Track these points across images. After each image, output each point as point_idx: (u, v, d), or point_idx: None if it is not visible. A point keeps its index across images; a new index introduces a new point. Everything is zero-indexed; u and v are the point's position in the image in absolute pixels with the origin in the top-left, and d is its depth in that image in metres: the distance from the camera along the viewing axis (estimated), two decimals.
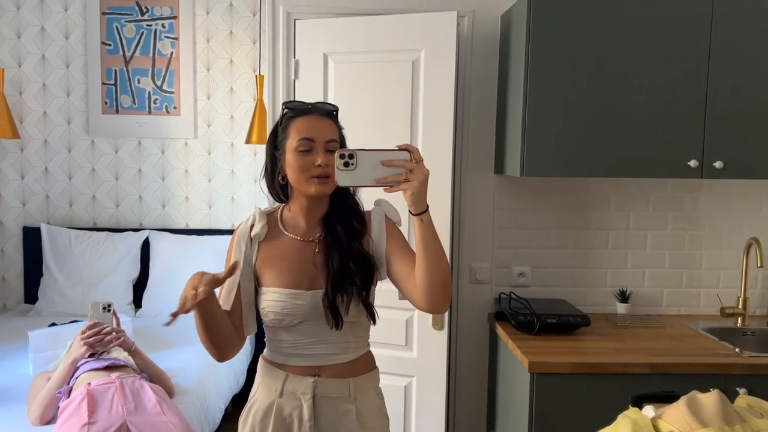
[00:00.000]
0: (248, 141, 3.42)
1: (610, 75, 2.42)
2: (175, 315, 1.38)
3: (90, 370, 2.24)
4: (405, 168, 1.38)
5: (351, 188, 1.61)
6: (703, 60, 2.42)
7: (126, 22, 3.57)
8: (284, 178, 1.58)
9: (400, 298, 1.62)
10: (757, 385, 2.17)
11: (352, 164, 1.38)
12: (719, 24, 2.41)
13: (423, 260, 1.45)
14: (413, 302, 1.54)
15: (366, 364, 1.65)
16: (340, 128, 1.61)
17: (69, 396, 2.17)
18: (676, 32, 2.41)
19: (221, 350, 1.54)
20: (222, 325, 1.52)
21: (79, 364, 2.29)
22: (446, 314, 2.66)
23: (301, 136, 1.53)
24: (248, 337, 3.45)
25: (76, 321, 2.86)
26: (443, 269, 1.46)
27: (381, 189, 1.41)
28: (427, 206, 1.42)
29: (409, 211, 1.42)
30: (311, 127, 1.54)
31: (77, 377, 2.22)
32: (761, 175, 2.46)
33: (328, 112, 1.59)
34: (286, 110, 1.60)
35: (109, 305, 2.40)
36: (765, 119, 2.44)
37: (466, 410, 2.92)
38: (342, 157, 1.38)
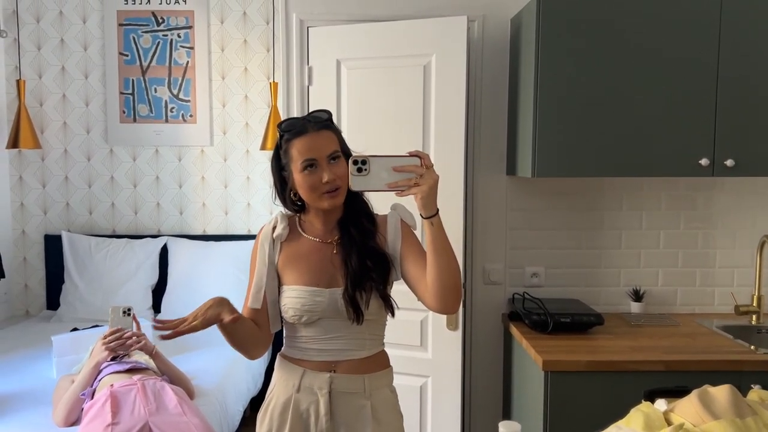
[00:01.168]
0: (263, 147, 3.47)
1: (619, 75, 2.44)
2: (165, 337, 1.51)
3: (112, 373, 2.29)
4: (415, 173, 1.44)
5: (361, 192, 1.66)
6: (713, 59, 2.43)
7: (143, 32, 3.65)
8: (296, 194, 1.64)
9: (418, 299, 1.67)
10: None
11: (365, 170, 1.45)
12: (728, 23, 2.42)
13: (434, 262, 1.50)
14: (425, 303, 1.59)
15: (380, 362, 1.70)
16: (338, 133, 1.64)
17: (93, 398, 2.22)
18: (685, 32, 2.43)
19: (250, 352, 1.66)
20: (247, 334, 1.62)
21: (101, 367, 2.34)
22: (460, 315, 2.69)
23: (303, 158, 1.57)
24: None
25: (97, 326, 2.91)
26: (453, 271, 1.51)
27: (394, 193, 1.46)
28: (437, 210, 1.47)
29: (420, 214, 1.47)
30: (312, 146, 1.57)
31: (100, 379, 2.27)
32: None
33: (323, 125, 1.61)
34: (282, 133, 1.63)
35: (129, 309, 2.45)
36: None
37: (482, 410, 2.94)
38: (355, 163, 1.45)
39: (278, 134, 1.65)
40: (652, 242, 2.87)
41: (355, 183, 1.46)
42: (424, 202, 1.45)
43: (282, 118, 2.97)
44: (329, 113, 1.65)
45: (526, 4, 2.58)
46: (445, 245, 1.49)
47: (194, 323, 1.50)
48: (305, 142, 1.58)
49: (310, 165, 1.57)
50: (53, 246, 3.65)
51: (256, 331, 1.64)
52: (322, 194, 1.58)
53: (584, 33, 2.43)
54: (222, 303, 1.53)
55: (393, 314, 1.68)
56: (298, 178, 1.59)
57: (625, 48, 2.43)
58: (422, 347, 2.73)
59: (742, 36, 2.43)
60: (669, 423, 1.31)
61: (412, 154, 1.46)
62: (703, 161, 2.44)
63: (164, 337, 1.49)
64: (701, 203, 2.86)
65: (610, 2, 2.43)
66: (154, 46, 3.65)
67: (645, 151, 2.46)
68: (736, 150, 2.45)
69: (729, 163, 2.44)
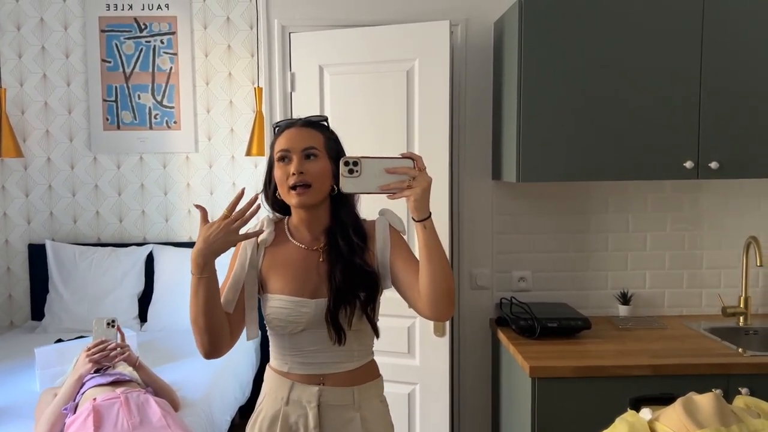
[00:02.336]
0: (248, 153, 3.44)
1: (602, 79, 2.43)
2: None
3: (95, 386, 2.26)
4: (408, 175, 1.41)
5: (352, 199, 1.64)
6: (695, 62, 2.43)
7: (125, 39, 3.61)
8: (276, 191, 1.62)
9: (409, 307, 1.64)
10: (760, 384, 2.17)
11: (357, 171, 1.42)
12: (710, 27, 2.42)
13: (426, 267, 1.48)
14: (418, 310, 1.56)
15: (370, 373, 1.67)
16: (328, 136, 1.62)
17: (75, 412, 2.19)
18: (668, 36, 2.42)
19: (213, 340, 1.50)
20: (218, 311, 1.50)
21: (85, 380, 2.31)
22: (448, 321, 2.68)
23: (279, 148, 1.58)
24: (254, 347, 3.46)
25: (82, 337, 2.88)
26: (446, 276, 1.48)
27: (385, 196, 1.44)
28: (430, 213, 1.45)
29: (412, 218, 1.45)
30: (290, 138, 1.58)
31: (83, 393, 2.24)
32: (756, 174, 2.47)
33: (309, 122, 1.62)
34: (275, 127, 1.67)
35: (113, 321, 2.42)
36: (758, 119, 2.45)
37: (470, 416, 2.92)
38: (347, 164, 1.42)
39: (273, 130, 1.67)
40: (639, 244, 2.86)
41: (347, 185, 1.43)
42: (417, 205, 1.42)
43: (266, 125, 2.96)
44: (323, 117, 1.65)
45: (508, 8, 2.57)
46: (438, 249, 1.47)
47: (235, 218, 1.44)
48: (287, 135, 1.59)
49: (283, 157, 1.56)
50: (37, 255, 3.61)
51: (225, 323, 1.52)
52: (289, 189, 1.55)
53: (567, 37, 2.42)
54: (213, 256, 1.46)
55: (377, 335, 1.65)
56: (275, 171, 1.58)
57: (608, 52, 2.43)
58: (410, 354, 2.71)
59: (724, 41, 2.43)
60: None
61: (404, 156, 1.44)
62: (688, 164, 2.44)
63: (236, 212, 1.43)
64: (687, 205, 2.86)
65: (594, 7, 2.42)
66: (137, 53, 3.62)
67: (630, 155, 2.45)
68: (719, 152, 2.45)
69: (713, 165, 2.44)
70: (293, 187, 1.55)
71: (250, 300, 1.60)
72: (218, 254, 1.45)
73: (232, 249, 1.56)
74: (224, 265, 1.55)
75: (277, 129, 1.65)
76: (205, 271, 1.45)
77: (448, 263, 1.50)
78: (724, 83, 2.43)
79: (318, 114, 1.67)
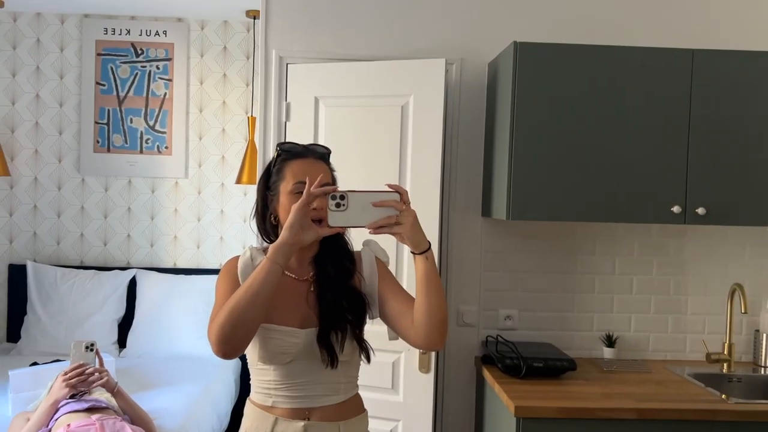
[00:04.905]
0: (239, 181, 3.44)
1: (593, 123, 2.48)
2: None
3: (70, 412, 2.20)
4: (396, 209, 1.41)
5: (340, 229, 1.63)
6: (685, 109, 2.48)
7: (121, 63, 3.63)
8: (276, 218, 1.59)
9: (390, 338, 1.63)
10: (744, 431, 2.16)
11: (344, 205, 1.41)
12: (699, 75, 2.48)
13: (425, 299, 1.47)
14: (409, 340, 1.55)
15: (355, 407, 1.65)
16: (332, 170, 1.63)
17: None
18: (659, 82, 2.48)
19: (245, 338, 1.45)
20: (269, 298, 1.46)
21: (59, 405, 2.25)
22: (433, 357, 2.65)
23: (297, 179, 1.54)
24: (234, 378, 3.39)
25: (58, 360, 2.82)
26: (442, 306, 1.49)
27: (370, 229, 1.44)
28: (429, 244, 1.46)
29: (412, 252, 1.45)
30: (307, 171, 1.54)
31: (57, 419, 2.18)
32: (742, 221, 2.50)
33: (321, 155, 1.61)
34: (280, 152, 1.61)
35: (92, 344, 2.37)
36: (745, 167, 2.50)
37: None
38: (333, 198, 1.42)
39: (276, 153, 1.62)
40: (625, 287, 2.88)
41: (333, 219, 1.43)
42: (413, 241, 1.43)
43: (258, 153, 2.96)
44: (329, 150, 1.64)
45: (503, 50, 2.62)
46: (436, 279, 1.47)
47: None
48: (302, 165, 1.56)
49: (301, 188, 1.50)
50: (17, 276, 3.55)
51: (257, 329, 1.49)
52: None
53: (560, 81, 2.47)
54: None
55: (369, 360, 1.63)
56: (284, 200, 1.55)
57: (600, 96, 2.47)
58: (393, 390, 2.67)
59: (713, 90, 2.49)
60: None
61: (391, 188, 1.44)
62: (675, 209, 2.47)
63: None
64: (673, 250, 2.88)
65: (587, 51, 2.48)
66: (132, 77, 3.64)
67: (618, 197, 2.48)
68: (707, 198, 2.49)
69: (700, 211, 2.47)
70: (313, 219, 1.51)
71: None
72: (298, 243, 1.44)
73: (209, 291, 1.53)
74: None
75: (284, 154, 1.60)
76: (283, 260, 1.44)
77: (443, 293, 1.51)
78: (711, 133, 2.48)
79: (321, 144, 1.66)
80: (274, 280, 1.43)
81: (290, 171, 1.56)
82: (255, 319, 1.45)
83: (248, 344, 1.50)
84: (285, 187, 1.56)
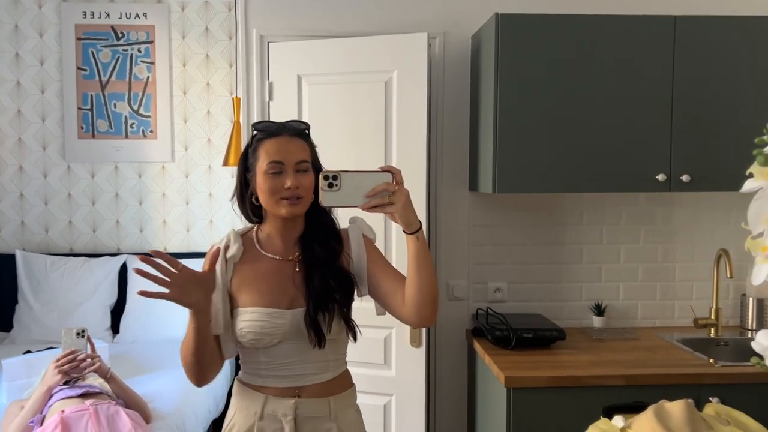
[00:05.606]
0: (226, 163, 3.42)
1: (577, 92, 2.47)
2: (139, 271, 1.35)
3: (64, 398, 2.21)
4: (388, 190, 1.42)
5: (328, 208, 1.63)
6: (668, 77, 2.48)
7: (102, 47, 3.58)
8: (257, 199, 1.59)
9: (378, 314, 1.64)
10: (731, 394, 2.19)
11: (336, 185, 1.43)
12: (681, 42, 2.48)
13: (416, 277, 1.49)
14: (400, 317, 1.57)
15: (344, 382, 1.66)
16: (312, 146, 1.62)
17: (42, 424, 2.14)
18: (641, 50, 2.48)
19: (205, 373, 1.54)
20: (211, 346, 1.52)
21: (53, 392, 2.26)
22: (424, 332, 2.67)
23: (270, 158, 1.53)
24: (229, 360, 3.41)
25: (51, 348, 2.82)
26: (433, 283, 1.51)
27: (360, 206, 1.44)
28: (420, 224, 1.48)
29: (404, 231, 1.47)
30: (281, 149, 1.54)
31: (50, 405, 2.19)
32: (726, 187, 2.52)
33: (298, 132, 1.59)
34: (255, 132, 1.61)
35: (83, 331, 2.37)
36: (728, 133, 2.50)
37: (446, 427, 2.92)
38: (326, 178, 1.42)
39: (251, 133, 1.62)
40: (613, 257, 2.90)
41: (326, 198, 1.44)
42: (405, 220, 1.45)
43: (243, 134, 2.94)
44: (307, 125, 1.63)
45: (485, 22, 2.60)
46: (427, 258, 1.49)
47: (174, 280, 1.38)
48: (276, 144, 1.54)
49: (275, 168, 1.52)
50: (6, 265, 3.53)
51: (217, 353, 1.56)
52: (281, 199, 1.52)
53: (543, 52, 2.46)
54: (207, 306, 1.45)
55: (355, 339, 1.64)
56: (260, 180, 1.54)
57: (583, 65, 2.47)
58: (386, 365, 2.70)
59: (694, 55, 2.48)
60: None
61: (383, 169, 1.45)
62: (660, 176, 2.48)
63: (138, 271, 1.34)
64: (660, 218, 2.90)
65: (569, 21, 2.46)
66: (114, 61, 3.59)
67: (604, 167, 2.49)
68: (691, 166, 2.50)
69: (685, 178, 2.48)
70: (286, 198, 1.53)
71: (223, 319, 1.57)
72: (195, 305, 1.43)
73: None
74: None
75: (259, 133, 1.59)
76: (200, 320, 1.45)
77: (434, 271, 1.53)
78: (694, 100, 2.49)
79: (299, 120, 1.64)
80: (204, 333, 1.47)
81: (264, 150, 1.55)
82: (206, 363, 1.52)
83: (219, 368, 1.58)
84: (260, 167, 1.55)
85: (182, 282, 1.39)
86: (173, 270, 1.38)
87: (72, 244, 3.63)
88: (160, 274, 1.38)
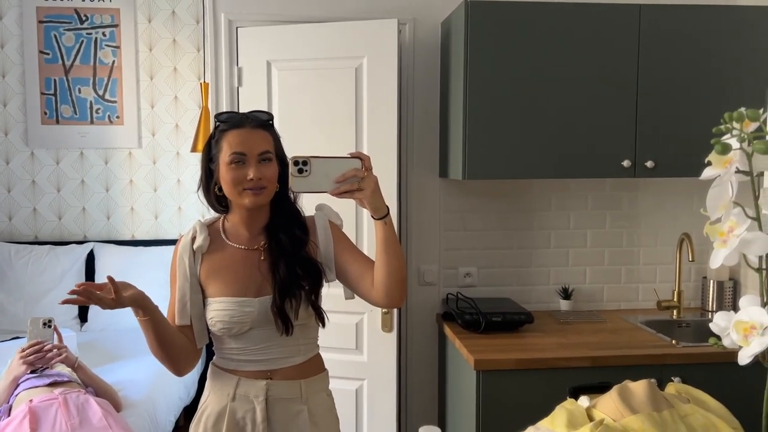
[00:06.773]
0: (194, 149, 3.38)
1: (545, 80, 2.50)
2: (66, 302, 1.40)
3: (31, 387, 2.18)
4: (357, 176, 1.44)
5: (291, 197, 1.65)
6: (633, 65, 2.53)
7: (65, 30, 3.50)
8: (221, 189, 1.60)
9: (346, 298, 1.67)
10: (692, 373, 2.27)
11: (306, 171, 1.44)
12: (646, 31, 2.52)
13: (384, 261, 1.52)
14: (369, 299, 1.60)
15: (316, 366, 1.69)
16: (276, 137, 1.62)
17: (9, 414, 2.11)
18: (607, 38, 2.51)
19: (177, 363, 1.58)
20: (172, 337, 1.55)
21: (19, 381, 2.23)
22: (395, 316, 2.70)
23: (232, 150, 1.54)
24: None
25: (17, 338, 2.78)
26: (401, 266, 1.54)
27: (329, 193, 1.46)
28: (388, 209, 1.50)
29: (372, 216, 1.49)
30: (243, 140, 1.55)
31: (17, 394, 2.17)
32: (689, 173, 2.57)
33: (261, 123, 1.60)
34: (218, 123, 1.61)
35: (50, 321, 2.34)
36: (691, 121, 2.57)
37: (418, 410, 2.96)
38: (296, 163, 1.43)
39: (214, 124, 1.62)
40: (580, 241, 2.96)
41: (296, 184, 1.45)
42: (373, 206, 1.47)
43: (212, 120, 2.91)
44: (270, 115, 1.63)
45: (455, 9, 2.61)
46: (395, 242, 1.52)
47: (109, 297, 1.42)
48: (238, 135, 1.55)
49: (237, 159, 1.53)
50: None
51: (185, 342, 1.59)
52: (243, 190, 1.54)
53: (510, 38, 2.48)
54: (144, 299, 1.48)
55: (323, 325, 1.66)
56: (223, 170, 1.55)
57: (550, 53, 2.49)
58: (357, 350, 2.72)
59: (659, 43, 2.53)
60: (591, 419, 1.34)
61: (353, 155, 1.46)
62: (625, 163, 2.53)
63: (66, 302, 1.39)
64: (626, 203, 2.96)
65: (537, 13, 2.49)
66: (78, 45, 3.51)
67: (570, 154, 2.53)
68: (655, 152, 2.55)
69: (649, 164, 2.54)
70: (249, 189, 1.54)
71: (195, 309, 1.60)
72: (136, 303, 1.47)
73: (170, 262, 1.62)
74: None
75: (221, 125, 1.60)
76: (145, 313, 1.48)
77: (402, 254, 1.56)
78: (659, 87, 2.54)
79: (262, 110, 1.64)
80: (154, 328, 1.50)
81: (227, 142, 1.56)
82: (174, 351, 1.56)
83: (194, 358, 1.62)
84: (223, 158, 1.56)
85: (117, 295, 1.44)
86: (107, 297, 1.43)
87: (37, 232, 3.57)
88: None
